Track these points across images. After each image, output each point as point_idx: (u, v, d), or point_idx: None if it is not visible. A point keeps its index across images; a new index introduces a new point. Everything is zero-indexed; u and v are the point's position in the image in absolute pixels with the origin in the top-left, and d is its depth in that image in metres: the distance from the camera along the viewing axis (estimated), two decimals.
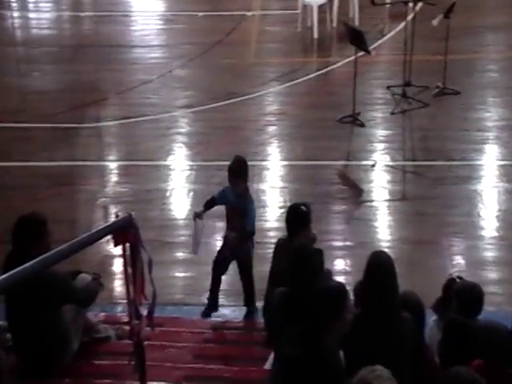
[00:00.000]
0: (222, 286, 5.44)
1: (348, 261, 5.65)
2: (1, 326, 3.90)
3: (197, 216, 4.90)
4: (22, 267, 2.63)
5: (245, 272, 5.00)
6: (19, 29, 10.93)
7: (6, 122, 7.89)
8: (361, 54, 7.85)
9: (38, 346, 3.72)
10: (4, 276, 2.55)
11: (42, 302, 3.75)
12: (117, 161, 7.41)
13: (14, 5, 11.26)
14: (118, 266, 5.49)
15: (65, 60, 9.70)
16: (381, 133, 7.69)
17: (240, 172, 4.79)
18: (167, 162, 7.31)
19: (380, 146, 7.44)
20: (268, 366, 4.03)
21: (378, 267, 3.35)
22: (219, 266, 5.00)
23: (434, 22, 7.78)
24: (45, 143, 7.50)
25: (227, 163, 7.21)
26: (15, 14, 11.11)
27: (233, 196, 4.87)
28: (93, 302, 4.15)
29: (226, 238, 5.05)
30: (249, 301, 5.02)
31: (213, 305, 5.02)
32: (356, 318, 3.43)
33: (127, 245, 3.51)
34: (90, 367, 3.93)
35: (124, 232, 3.46)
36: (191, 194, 6.74)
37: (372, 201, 6.56)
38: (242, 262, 4.98)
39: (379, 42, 9.53)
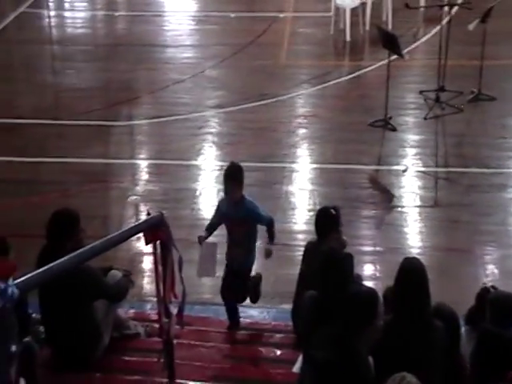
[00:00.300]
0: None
1: (378, 266, 5.61)
2: (34, 319, 3.96)
3: (202, 240, 4.66)
4: (55, 262, 2.67)
5: (245, 282, 4.74)
6: (55, 27, 11.08)
7: (41, 119, 8.02)
8: (394, 57, 7.80)
9: (70, 340, 3.77)
10: (38, 270, 2.59)
11: (74, 297, 3.79)
12: (148, 159, 7.47)
13: (51, 4, 11.43)
14: (147, 263, 5.53)
15: (99, 58, 9.83)
16: (413, 138, 7.62)
17: (237, 176, 4.58)
18: (198, 162, 7.35)
19: (412, 151, 7.37)
20: (296, 368, 4.02)
21: (410, 273, 3.32)
22: (230, 294, 4.72)
23: (470, 27, 7.68)
24: (78, 140, 7.59)
25: (258, 164, 7.33)
26: (52, 13, 11.28)
27: (229, 206, 4.64)
28: (123, 298, 4.19)
29: (229, 259, 4.75)
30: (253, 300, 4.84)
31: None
32: (387, 324, 3.40)
33: (158, 243, 3.55)
34: (119, 363, 3.97)
35: (155, 230, 3.50)
36: (221, 193, 6.74)
37: (403, 206, 6.49)
38: (243, 272, 4.72)
39: (413, 45, 9.46)
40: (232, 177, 4.57)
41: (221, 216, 4.70)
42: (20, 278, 2.46)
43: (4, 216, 5.93)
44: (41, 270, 2.61)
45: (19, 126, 7.88)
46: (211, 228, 4.74)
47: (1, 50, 10.26)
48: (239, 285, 4.69)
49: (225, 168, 4.66)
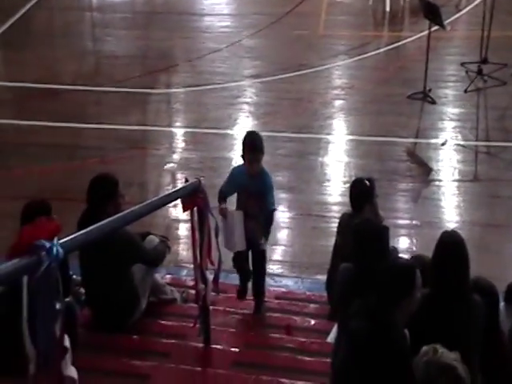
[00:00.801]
0: (286, 258, 5.48)
1: (414, 240, 5.55)
2: (75, 280, 4.03)
3: (223, 212, 4.20)
4: (95, 225, 2.69)
5: (259, 260, 4.41)
6: None
7: (81, 85, 8.09)
8: (435, 28, 7.62)
9: (109, 302, 3.84)
10: (81, 232, 2.62)
11: (113, 260, 3.85)
12: (185, 127, 7.49)
13: None
14: (184, 230, 5.57)
15: (138, 26, 9.85)
16: (453, 111, 7.47)
17: (262, 146, 4.17)
18: (234, 131, 7.34)
19: (451, 125, 7.23)
20: (331, 339, 4.03)
21: (450, 246, 3.27)
22: (241, 263, 4.44)
23: None
24: (117, 107, 7.65)
25: (294, 135, 7.28)
26: None
27: (246, 178, 4.22)
28: (161, 263, 4.24)
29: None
30: (259, 291, 4.45)
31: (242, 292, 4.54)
32: (424, 297, 3.36)
33: (195, 209, 3.56)
34: (156, 326, 4.03)
35: (193, 196, 3.51)
36: None
37: (441, 180, 6.39)
38: (257, 251, 4.35)
39: (455, 16, 9.23)
40: (256, 147, 4.16)
41: (236, 187, 4.28)
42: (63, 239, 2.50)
43: (45, 180, 6.03)
44: (83, 231, 2.65)
45: (60, 92, 7.96)
46: (225, 198, 4.29)
47: (42, 16, 10.35)
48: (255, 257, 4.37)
49: (245, 136, 4.28)
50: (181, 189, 3.59)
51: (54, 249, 2.31)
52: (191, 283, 3.87)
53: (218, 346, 3.78)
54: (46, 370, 2.29)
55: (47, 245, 2.30)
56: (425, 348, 2.62)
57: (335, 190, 6.29)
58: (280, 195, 6.32)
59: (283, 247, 5.65)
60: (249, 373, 3.54)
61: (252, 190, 4.23)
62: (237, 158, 6.90)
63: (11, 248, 2.38)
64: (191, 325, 3.80)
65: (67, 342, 2.35)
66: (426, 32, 7.65)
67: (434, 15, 7.40)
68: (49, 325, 2.29)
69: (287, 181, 6.46)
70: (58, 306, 2.35)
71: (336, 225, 4.72)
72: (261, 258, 4.38)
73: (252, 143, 4.19)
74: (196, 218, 3.60)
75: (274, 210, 4.35)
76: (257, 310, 4.41)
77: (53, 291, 2.33)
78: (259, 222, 4.25)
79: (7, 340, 2.78)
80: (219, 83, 8.13)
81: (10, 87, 8.27)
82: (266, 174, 4.27)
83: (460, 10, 9.41)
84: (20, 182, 6.15)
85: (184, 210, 3.60)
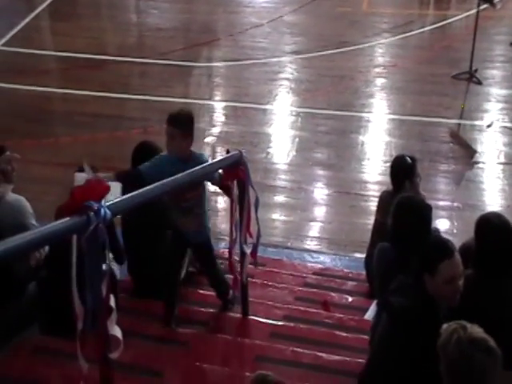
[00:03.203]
0: (324, 235, 5.46)
1: (455, 222, 5.46)
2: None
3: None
4: (136, 192, 2.70)
5: (207, 259, 3.91)
6: None
7: (125, 57, 8.13)
8: (484, 7, 7.41)
9: (149, 269, 3.88)
10: (124, 197, 2.64)
11: (153, 228, 3.88)
12: (225, 101, 7.47)
13: None
14: (222, 202, 5.59)
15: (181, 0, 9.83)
16: (500, 92, 7.29)
17: (183, 123, 3.44)
18: (274, 107, 7.30)
19: (497, 106, 7.06)
20: (368, 316, 4.01)
21: (496, 228, 3.19)
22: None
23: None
24: (160, 79, 7.68)
25: (335, 112, 7.21)
26: None
27: (174, 165, 3.35)
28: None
29: (180, 233, 3.66)
30: (223, 292, 3.93)
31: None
32: (467, 279, 3.30)
33: (235, 182, 3.54)
34: (195, 295, 4.06)
35: (235, 168, 3.49)
36: (296, 140, 6.70)
37: (485, 163, 6.25)
38: (201, 247, 3.81)
39: None
40: (173, 123, 3.43)
41: (157, 174, 3.12)
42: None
43: (90, 148, 6.09)
44: (129, 195, 2.67)
45: (105, 63, 8.01)
46: (129, 181, 3.29)
47: None
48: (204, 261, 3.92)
49: (170, 114, 3.50)
50: (223, 159, 3.58)
51: (102, 210, 2.34)
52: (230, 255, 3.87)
53: (256, 318, 3.79)
54: (92, 328, 2.33)
55: (96, 206, 2.32)
56: (449, 326, 2.54)
57: (375, 169, 6.21)
58: (319, 172, 6.30)
59: (321, 224, 5.63)
60: (286, 345, 3.55)
61: None
62: (277, 134, 6.92)
63: (61, 207, 2.41)
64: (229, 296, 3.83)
65: (113, 303, 2.38)
66: (473, 11, 7.46)
67: None
68: (96, 284, 2.32)
69: (327, 158, 6.41)
70: (104, 266, 2.38)
71: (375, 204, 4.67)
72: (206, 253, 3.86)
73: (178, 119, 3.45)
74: (236, 190, 3.58)
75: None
76: (225, 306, 3.95)
77: (100, 252, 2.35)
78: (198, 216, 3.64)
79: (58, 298, 2.84)
80: (260, 58, 8.08)
81: (57, 56, 8.37)
82: (199, 153, 3.60)
83: None
84: (66, 150, 6.24)
85: (225, 181, 3.59)
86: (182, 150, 3.49)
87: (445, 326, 2.49)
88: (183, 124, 3.47)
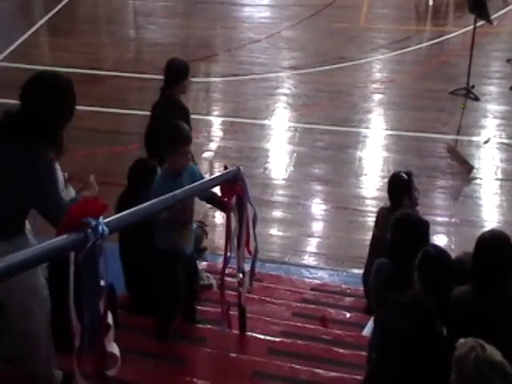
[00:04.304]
0: (322, 250, 5.45)
1: (452, 238, 5.45)
2: None
3: None
4: (138, 207, 2.70)
5: (194, 269, 3.88)
6: None
7: (123, 72, 8.18)
8: (480, 23, 7.47)
9: (147, 286, 3.86)
10: (122, 213, 2.64)
11: (150, 244, 3.87)
12: (223, 116, 7.50)
13: None
14: (220, 218, 5.59)
15: (179, 15, 9.92)
16: (497, 108, 7.33)
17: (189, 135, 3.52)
18: (272, 122, 7.32)
19: (495, 122, 7.09)
20: (366, 332, 4.00)
21: (498, 243, 3.20)
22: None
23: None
24: (157, 94, 7.62)
25: (333, 128, 7.23)
26: None
27: (172, 181, 3.40)
28: (197, 248, 4.25)
29: (176, 248, 3.62)
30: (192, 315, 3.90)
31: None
32: (463, 294, 3.30)
33: (234, 198, 3.54)
34: None
35: (232, 184, 3.50)
36: (294, 155, 6.72)
37: (482, 179, 6.27)
38: (190, 259, 3.78)
39: (502, 11, 9.06)
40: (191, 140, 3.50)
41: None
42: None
43: (87, 163, 6.09)
44: (127, 212, 2.66)
45: (103, 78, 8.07)
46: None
47: (87, 3, 10.49)
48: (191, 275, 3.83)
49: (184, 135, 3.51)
50: (221, 175, 3.58)
51: (100, 227, 2.33)
52: (227, 271, 3.86)
53: (254, 334, 3.78)
54: (90, 345, 2.32)
55: (93, 223, 2.32)
56: (465, 342, 2.54)
57: (372, 185, 6.23)
58: (317, 187, 6.31)
59: (319, 239, 5.63)
60: (283, 361, 3.54)
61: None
62: (274, 149, 6.93)
63: (60, 225, 2.41)
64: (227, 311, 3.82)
65: (110, 320, 2.38)
66: (471, 27, 7.50)
67: (480, 9, 7.26)
68: (93, 301, 2.31)
69: (324, 173, 6.43)
70: (102, 283, 2.38)
71: (373, 219, 4.68)
72: (194, 265, 3.83)
73: (184, 136, 3.50)
74: (233, 206, 3.57)
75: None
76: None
77: (98, 268, 2.35)
78: (190, 228, 3.67)
79: (55, 315, 2.83)
80: (258, 74, 8.13)
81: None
82: (191, 166, 3.65)
83: (508, 5, 9.23)
84: (63, 165, 6.19)
85: (223, 198, 3.59)
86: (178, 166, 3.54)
87: (461, 340, 2.49)
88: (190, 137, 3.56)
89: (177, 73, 4.59)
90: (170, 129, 3.56)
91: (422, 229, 3.51)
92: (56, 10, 9.93)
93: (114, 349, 2.39)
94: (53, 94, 2.88)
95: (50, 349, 2.99)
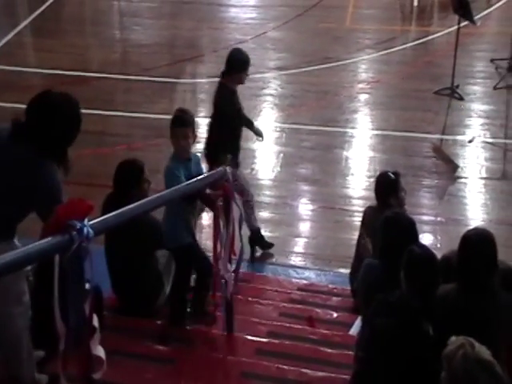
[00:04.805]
0: (309, 250, 5.47)
1: (438, 237, 5.49)
2: None
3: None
4: (124, 208, 2.69)
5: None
6: None
7: (109, 73, 8.13)
8: (464, 24, 7.52)
9: (134, 287, 3.86)
10: (110, 214, 2.63)
11: (137, 245, 3.87)
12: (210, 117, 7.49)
13: None
14: (207, 219, 5.57)
15: (165, 16, 9.89)
16: (481, 108, 7.38)
17: (192, 120, 3.73)
18: (258, 122, 7.29)
19: (479, 121, 7.15)
20: (353, 331, 4.01)
21: (482, 242, 3.22)
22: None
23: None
24: (144, 95, 7.67)
25: (319, 128, 7.25)
26: None
27: (186, 167, 3.71)
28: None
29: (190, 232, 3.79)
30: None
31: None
32: (449, 292, 3.32)
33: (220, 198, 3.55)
34: None
35: (219, 185, 3.50)
36: (281, 155, 6.73)
37: (467, 177, 6.31)
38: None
39: (486, 11, 9.12)
40: (184, 122, 3.68)
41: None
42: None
43: (74, 165, 6.05)
44: (113, 213, 2.65)
45: (89, 79, 8.00)
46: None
47: (73, 3, 10.44)
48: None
49: (176, 117, 3.74)
50: (207, 176, 3.59)
51: (85, 229, 2.32)
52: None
53: (241, 334, 3.78)
54: (75, 348, 2.31)
55: (78, 225, 2.31)
56: (456, 339, 2.56)
57: (359, 184, 6.25)
58: (303, 187, 6.32)
59: (306, 239, 5.64)
60: (271, 361, 3.54)
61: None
62: (261, 150, 6.93)
63: (45, 226, 2.40)
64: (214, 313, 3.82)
65: (96, 322, 2.37)
66: (455, 27, 7.56)
67: (464, 10, 7.31)
68: (78, 304, 2.30)
69: (311, 173, 6.44)
70: (87, 285, 2.37)
71: (359, 219, 4.70)
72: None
73: (176, 117, 3.74)
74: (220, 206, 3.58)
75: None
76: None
77: (82, 271, 2.34)
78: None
79: (40, 317, 2.82)
80: None
81: (40, 73, 8.32)
82: (193, 153, 3.84)
83: (491, 6, 9.29)
84: None
85: (214, 198, 3.59)
86: (191, 148, 3.73)
87: (453, 338, 2.51)
88: (192, 121, 3.74)
89: (237, 63, 4.91)
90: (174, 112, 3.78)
91: (412, 228, 3.53)
92: (41, 10, 9.86)
93: (100, 351, 2.38)
94: (59, 121, 2.95)
95: (30, 353, 3.00)
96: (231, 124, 4.83)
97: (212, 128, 5.02)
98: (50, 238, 2.25)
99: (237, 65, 4.88)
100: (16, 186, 2.80)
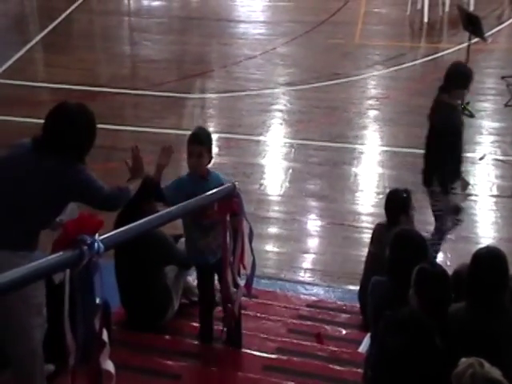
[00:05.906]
0: (317, 266, 5.44)
1: (448, 254, 5.45)
2: None
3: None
4: (134, 224, 2.70)
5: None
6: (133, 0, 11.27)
7: (118, 88, 8.19)
8: (475, 40, 7.53)
9: (143, 302, 3.85)
10: (118, 230, 2.63)
11: (147, 261, 3.87)
12: (219, 133, 7.50)
13: None
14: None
15: (174, 31, 9.98)
16: (492, 125, 7.36)
17: (208, 140, 3.67)
18: (267, 138, 7.34)
19: (490, 139, 7.12)
20: (362, 349, 3.98)
21: (495, 260, 3.20)
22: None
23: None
24: (153, 110, 7.71)
25: (328, 144, 7.25)
26: None
27: (193, 182, 3.67)
28: (193, 265, 4.23)
29: (199, 254, 3.73)
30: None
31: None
32: (459, 310, 3.29)
33: (228, 214, 3.54)
34: (188, 328, 4.03)
35: (228, 200, 3.50)
36: (290, 171, 6.73)
37: (478, 195, 6.28)
38: (219, 263, 3.69)
39: (496, 28, 9.13)
40: (200, 141, 3.64)
41: (180, 192, 3.58)
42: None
43: None
44: (122, 228, 2.66)
45: (98, 94, 8.04)
46: (150, 193, 3.77)
47: (83, 20, 10.54)
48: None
49: (193, 134, 3.73)
50: (216, 192, 3.58)
51: (96, 244, 2.33)
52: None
53: (249, 351, 3.76)
54: (84, 362, 2.31)
55: (89, 240, 2.32)
56: (466, 360, 2.56)
57: (368, 201, 6.23)
58: (312, 203, 6.32)
59: (315, 255, 5.62)
60: (279, 378, 3.51)
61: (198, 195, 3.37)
62: (270, 165, 6.93)
63: (55, 242, 2.40)
64: (222, 328, 3.80)
65: (106, 337, 2.36)
66: (465, 44, 7.58)
67: (474, 27, 7.33)
68: (88, 319, 2.30)
69: (319, 189, 6.43)
70: (97, 300, 2.36)
71: (368, 235, 4.68)
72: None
73: (195, 135, 3.70)
74: (229, 221, 3.57)
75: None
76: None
77: (93, 286, 2.34)
78: (215, 235, 3.68)
79: (50, 331, 2.82)
80: (253, 90, 8.16)
81: (51, 88, 8.39)
82: (214, 172, 3.76)
83: (502, 23, 9.30)
84: None
85: (220, 214, 3.59)
86: (205, 167, 3.70)
87: (463, 359, 2.51)
88: (208, 140, 3.70)
89: (459, 79, 4.74)
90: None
91: (423, 245, 3.52)
92: (51, 26, 9.97)
93: (109, 366, 2.37)
94: (78, 129, 3.14)
95: (42, 366, 3.00)
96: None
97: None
98: (60, 253, 2.26)
99: (459, 80, 4.80)
100: (46, 194, 2.95)
